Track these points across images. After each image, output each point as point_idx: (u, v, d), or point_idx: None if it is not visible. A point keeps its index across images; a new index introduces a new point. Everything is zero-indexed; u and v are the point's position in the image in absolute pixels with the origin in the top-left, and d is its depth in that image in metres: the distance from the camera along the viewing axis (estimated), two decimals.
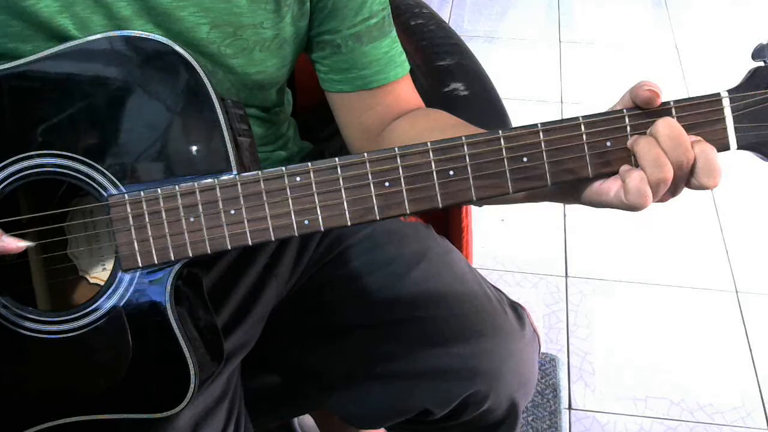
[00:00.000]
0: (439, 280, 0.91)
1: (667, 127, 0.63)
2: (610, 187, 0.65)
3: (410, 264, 0.92)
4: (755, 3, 2.94)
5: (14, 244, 0.67)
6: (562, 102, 2.45)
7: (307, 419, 1.45)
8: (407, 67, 0.90)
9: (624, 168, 0.64)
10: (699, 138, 0.64)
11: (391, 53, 0.87)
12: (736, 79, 0.67)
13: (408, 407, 0.90)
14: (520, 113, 2.28)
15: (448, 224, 1.11)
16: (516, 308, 0.93)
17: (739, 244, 1.95)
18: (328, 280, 0.95)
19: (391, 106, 0.89)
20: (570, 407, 1.58)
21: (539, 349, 0.94)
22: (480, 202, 0.69)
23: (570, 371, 1.64)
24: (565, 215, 1.99)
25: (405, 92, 0.90)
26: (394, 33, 0.88)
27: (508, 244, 1.95)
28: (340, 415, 0.97)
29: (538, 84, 2.53)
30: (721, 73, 2.51)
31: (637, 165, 0.64)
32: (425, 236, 0.97)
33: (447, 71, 1.12)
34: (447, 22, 1.25)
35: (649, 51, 2.71)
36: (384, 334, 0.90)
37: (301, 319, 0.96)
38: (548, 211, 2.01)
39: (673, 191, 0.65)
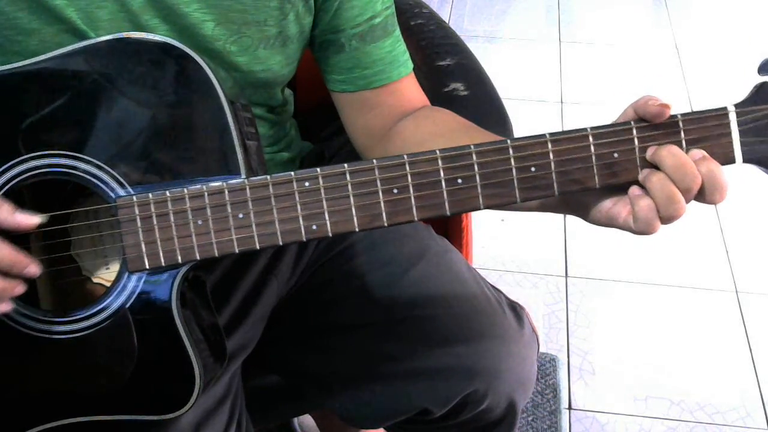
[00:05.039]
0: (437, 280, 0.91)
1: (671, 157, 0.63)
2: (620, 212, 0.66)
3: (409, 263, 0.92)
4: (755, 2, 2.94)
5: (27, 221, 0.66)
6: (562, 102, 2.45)
7: (307, 419, 1.45)
8: (410, 66, 0.90)
9: (635, 193, 0.65)
10: (704, 154, 0.64)
11: (395, 52, 0.87)
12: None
13: (407, 406, 0.90)
14: (520, 113, 2.28)
15: (448, 224, 1.11)
16: (515, 308, 0.93)
17: (739, 244, 1.95)
18: (327, 279, 0.95)
19: (395, 105, 0.89)
20: (570, 407, 1.58)
21: (538, 349, 0.94)
22: (487, 209, 0.70)
23: (570, 371, 1.64)
24: (565, 215, 1.99)
25: (409, 91, 0.90)
26: (397, 32, 0.88)
27: (508, 244, 1.95)
28: (340, 414, 0.97)
29: (538, 84, 2.53)
30: (721, 73, 2.51)
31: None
32: (424, 236, 0.97)
33: (447, 71, 1.12)
34: (447, 22, 1.25)
35: (649, 51, 2.71)
36: (383, 333, 0.90)
37: (300, 318, 0.96)
38: None
39: None
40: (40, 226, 0.68)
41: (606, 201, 0.67)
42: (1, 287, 0.65)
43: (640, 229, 0.64)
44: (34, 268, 0.66)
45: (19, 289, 0.66)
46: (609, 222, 0.67)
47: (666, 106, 0.63)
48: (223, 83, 0.68)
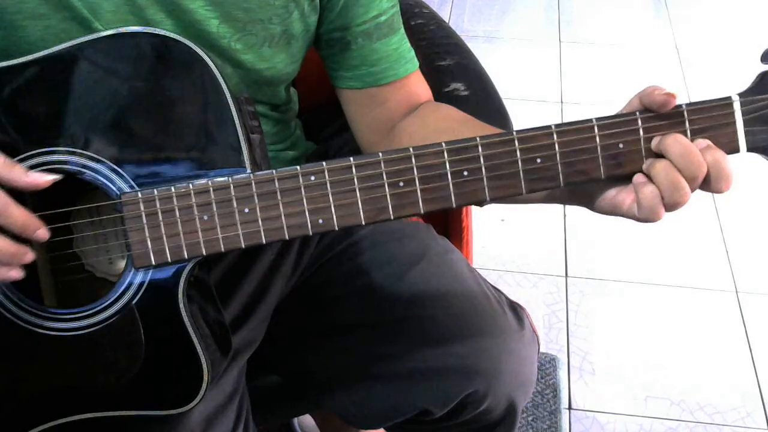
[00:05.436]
0: (438, 280, 0.91)
1: (677, 145, 0.63)
2: (624, 199, 0.66)
3: (410, 263, 0.92)
4: (755, 2, 2.94)
5: (41, 179, 0.66)
6: (562, 102, 2.45)
7: (307, 419, 1.45)
8: (416, 62, 0.90)
9: (639, 180, 0.65)
10: (709, 143, 0.64)
11: (401, 49, 0.88)
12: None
13: (407, 407, 0.90)
14: (520, 113, 2.28)
15: (448, 224, 1.11)
16: (515, 308, 0.93)
17: (739, 244, 1.95)
18: (327, 278, 0.95)
19: (401, 101, 0.89)
20: (570, 407, 1.58)
21: (538, 350, 0.94)
22: (493, 201, 0.70)
23: (570, 371, 1.64)
24: (565, 215, 1.99)
25: (415, 87, 0.91)
26: (402, 29, 0.89)
27: (508, 244, 1.95)
28: (340, 414, 0.97)
29: (538, 84, 2.53)
30: (722, 73, 2.51)
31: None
32: (425, 236, 0.97)
33: (447, 71, 1.12)
34: (447, 22, 1.25)
35: (649, 51, 2.71)
36: (383, 333, 0.90)
37: (301, 317, 0.96)
38: (548, 211, 2.00)
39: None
40: (45, 221, 0.67)
41: (610, 189, 0.67)
42: (13, 251, 0.65)
43: (645, 216, 0.64)
44: (43, 231, 0.66)
45: (30, 256, 0.66)
46: (613, 210, 0.68)
47: (672, 95, 0.63)
48: (229, 79, 0.68)
